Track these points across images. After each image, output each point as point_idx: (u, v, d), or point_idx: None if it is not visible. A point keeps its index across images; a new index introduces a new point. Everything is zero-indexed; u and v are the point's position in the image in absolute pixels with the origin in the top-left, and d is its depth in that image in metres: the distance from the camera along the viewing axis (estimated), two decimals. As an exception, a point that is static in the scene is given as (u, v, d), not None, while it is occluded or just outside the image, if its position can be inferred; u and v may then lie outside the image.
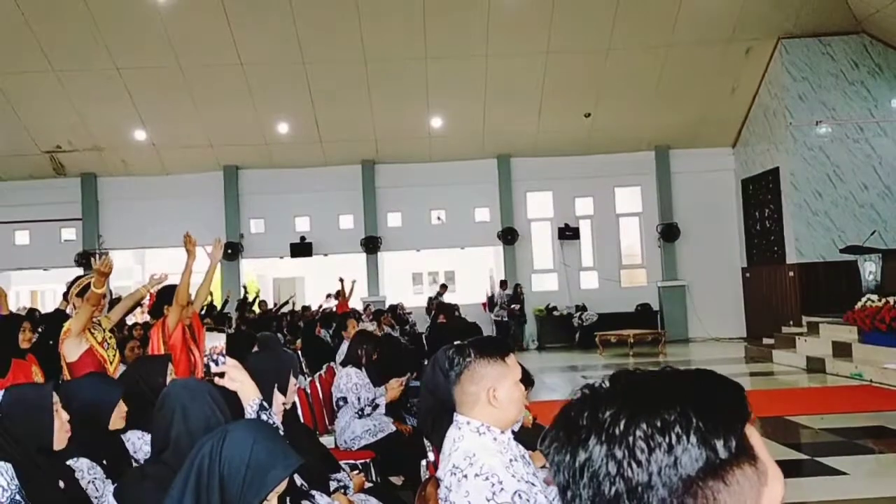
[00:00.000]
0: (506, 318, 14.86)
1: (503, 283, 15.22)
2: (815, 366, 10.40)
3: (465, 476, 2.05)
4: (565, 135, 14.95)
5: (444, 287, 15.78)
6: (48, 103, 13.49)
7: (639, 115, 14.53)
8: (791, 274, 13.44)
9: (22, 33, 11.95)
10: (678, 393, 0.76)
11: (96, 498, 2.50)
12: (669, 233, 15.50)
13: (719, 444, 0.72)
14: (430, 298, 15.44)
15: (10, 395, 2.43)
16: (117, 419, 2.76)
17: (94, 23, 11.93)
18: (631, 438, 0.73)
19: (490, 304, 15.17)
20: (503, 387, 2.16)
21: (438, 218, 16.17)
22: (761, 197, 14.65)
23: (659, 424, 0.73)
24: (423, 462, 3.48)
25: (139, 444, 2.93)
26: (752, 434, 0.76)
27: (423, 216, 16.04)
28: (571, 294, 15.73)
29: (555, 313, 15.56)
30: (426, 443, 3.41)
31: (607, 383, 0.81)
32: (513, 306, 15.05)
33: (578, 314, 15.26)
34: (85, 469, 2.55)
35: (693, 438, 0.72)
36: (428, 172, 15.70)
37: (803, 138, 13.22)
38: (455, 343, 2.34)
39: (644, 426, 0.73)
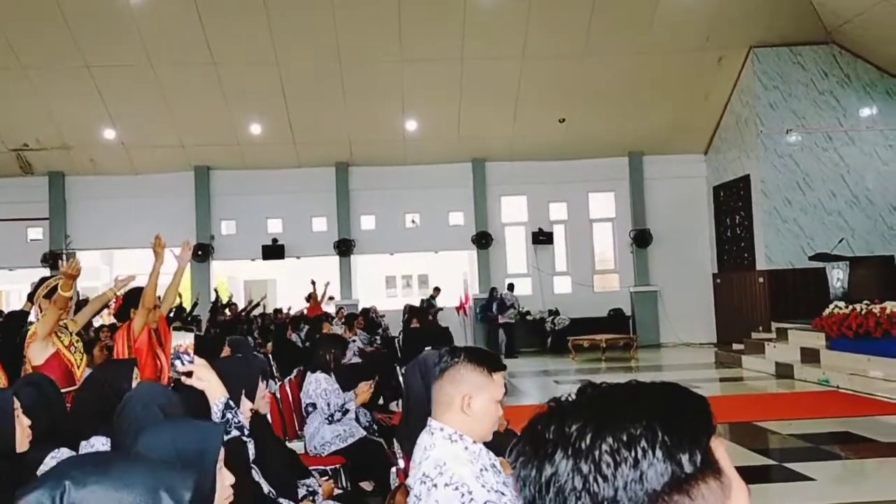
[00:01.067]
0: (512, 321, 14.90)
1: (510, 287, 15.27)
2: (783, 371, 10.51)
3: (435, 485, 2.03)
4: (540, 139, 15.00)
5: (437, 290, 15.70)
6: (16, 100, 13.23)
7: (613, 121, 14.63)
8: (761, 280, 13.61)
9: (-12, 29, 11.73)
10: (644, 407, 0.76)
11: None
12: (642, 238, 15.62)
13: (685, 459, 0.72)
14: (422, 300, 15.38)
15: None
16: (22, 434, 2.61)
17: (65, 19, 11.74)
18: (597, 452, 0.73)
19: (502, 306, 15.06)
20: (480, 398, 2.13)
21: (413, 221, 16.14)
22: (732, 204, 14.82)
23: (625, 439, 0.73)
24: (393, 469, 3.44)
25: (104, 450, 2.85)
26: (717, 447, 0.76)
27: (397, 219, 15.99)
28: (545, 298, 15.79)
29: (528, 318, 15.58)
30: (396, 449, 3.36)
31: (574, 396, 0.81)
32: (488, 312, 15.07)
33: (551, 318, 15.31)
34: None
35: (659, 453, 0.72)
36: (402, 175, 15.65)
37: (774, 146, 13.41)
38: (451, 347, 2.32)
39: (610, 440, 0.73)
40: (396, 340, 10.12)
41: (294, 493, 3.26)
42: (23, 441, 2.36)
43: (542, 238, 15.78)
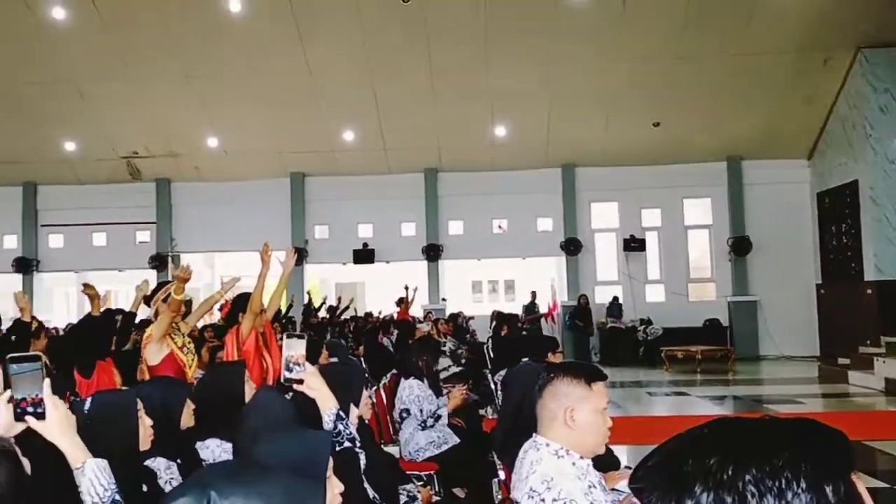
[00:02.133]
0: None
1: (615, 300, 15.12)
2: (894, 388, 9.94)
3: (543, 500, 2.03)
4: (632, 144, 14.72)
5: (534, 294, 15.65)
6: (127, 111, 13.98)
7: (710, 125, 14.21)
8: (869, 291, 12.89)
9: (103, 43, 12.42)
10: (785, 439, 0.75)
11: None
12: (741, 246, 15.08)
13: (829, 490, 0.71)
14: (524, 306, 15.38)
15: (98, 399, 2.50)
16: (188, 416, 2.82)
17: (171, 32, 12.32)
18: (740, 484, 0.72)
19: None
20: (582, 410, 2.12)
21: (500, 227, 16.13)
22: (838, 211, 14.11)
23: (769, 469, 0.72)
24: (495, 480, 3.44)
25: (218, 451, 2.97)
26: (858, 482, 0.74)
27: (484, 225, 16.03)
28: (636, 307, 15.45)
29: (618, 326, 15.29)
30: (496, 460, 3.36)
31: (707, 430, 0.80)
32: (575, 320, 14.89)
33: (643, 328, 14.96)
34: (162, 468, 2.61)
35: (804, 483, 0.70)
36: (490, 181, 15.68)
37: (884, 151, 12.70)
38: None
39: (754, 471, 0.72)
40: (485, 347, 10.12)
41: (396, 499, 3.31)
42: (145, 441, 2.42)
43: (633, 245, 15.47)
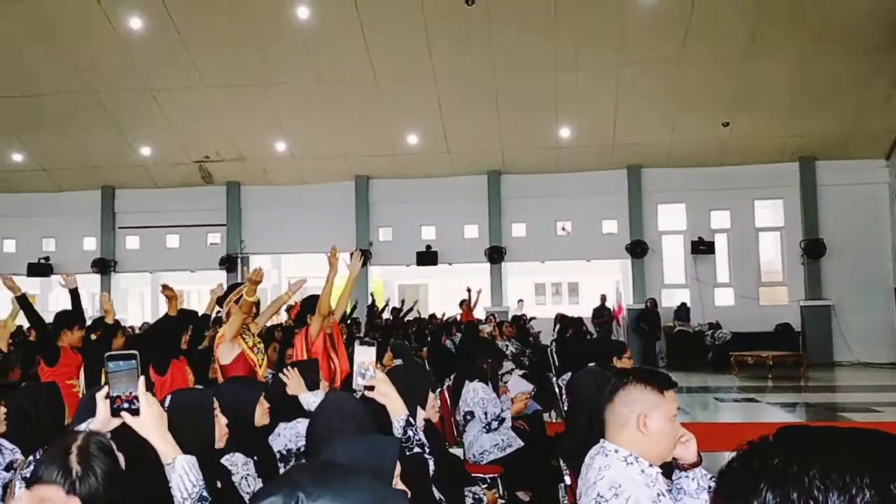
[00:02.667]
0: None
1: (683, 304, 14.93)
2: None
3: None
4: (700, 145, 14.42)
5: (603, 297, 15.52)
6: (199, 116, 14.42)
7: (781, 125, 13.80)
8: (954, 296, 12.30)
9: (177, 51, 12.84)
10: (848, 438, 0.78)
11: (247, 493, 2.63)
12: (814, 249, 14.58)
13: (894, 488, 0.72)
14: (594, 309, 15.26)
15: (176, 398, 2.60)
16: (262, 415, 2.90)
17: (242, 40, 12.64)
18: (806, 479, 0.74)
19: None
20: (655, 417, 2.11)
21: (564, 229, 16.00)
22: (919, 212, 13.52)
23: (833, 466, 0.74)
24: (561, 486, 3.43)
25: (290, 434, 3.09)
26: None
27: (548, 227, 15.93)
28: (705, 311, 15.11)
29: (686, 330, 14.97)
30: (562, 465, 3.35)
31: (772, 437, 0.83)
32: (641, 324, 14.66)
33: (711, 332, 14.61)
34: (240, 464, 2.69)
35: (867, 479, 0.72)
36: (554, 183, 15.59)
37: (970, 150, 12.11)
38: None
39: (818, 467, 0.74)
40: (549, 350, 10.06)
41: (462, 501, 3.33)
42: (220, 439, 2.49)
43: (702, 248, 15.13)
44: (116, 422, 1.85)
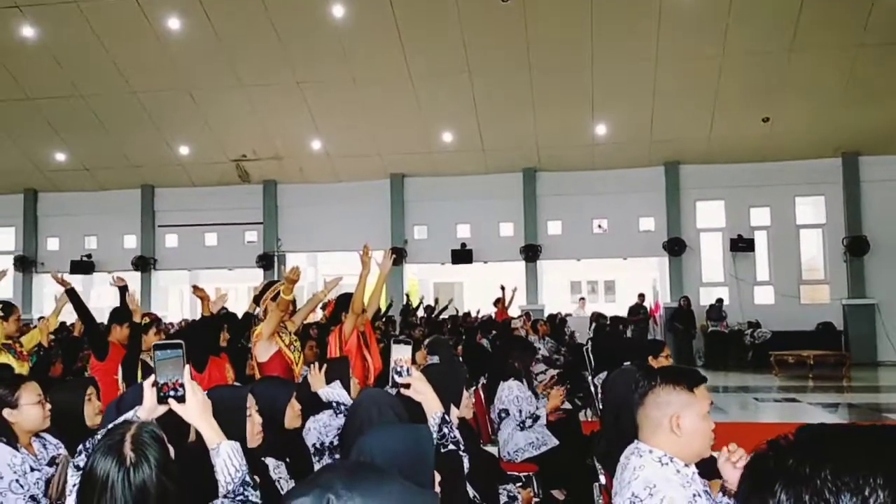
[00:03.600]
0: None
1: (719, 301, 14.74)
2: None
3: None
4: (741, 141, 14.18)
5: (641, 297, 15.38)
6: (236, 116, 14.60)
7: (824, 120, 13.50)
8: None
9: (215, 52, 13.02)
10: (862, 439, 0.78)
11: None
12: (857, 246, 14.24)
13: None
14: (630, 307, 15.13)
15: (212, 394, 2.62)
16: (292, 418, 2.88)
17: (279, 40, 12.77)
18: (818, 481, 0.74)
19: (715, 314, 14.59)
20: (687, 416, 2.09)
21: (600, 226, 15.87)
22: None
23: (845, 467, 0.74)
24: (596, 485, 3.40)
25: (318, 427, 3.11)
26: None
27: (584, 225, 15.81)
28: (744, 309, 14.86)
29: (720, 330, 14.74)
30: (597, 465, 3.32)
31: (790, 437, 0.84)
32: (675, 323, 14.47)
33: (750, 331, 14.36)
34: (271, 467, 2.70)
35: (880, 479, 0.72)
36: (590, 180, 15.47)
37: None
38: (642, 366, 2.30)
39: (830, 468, 0.75)
40: (585, 349, 9.98)
41: (496, 498, 3.32)
42: (253, 438, 2.45)
43: (741, 245, 14.87)
44: (162, 409, 1.90)
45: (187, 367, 1.90)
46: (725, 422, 8.56)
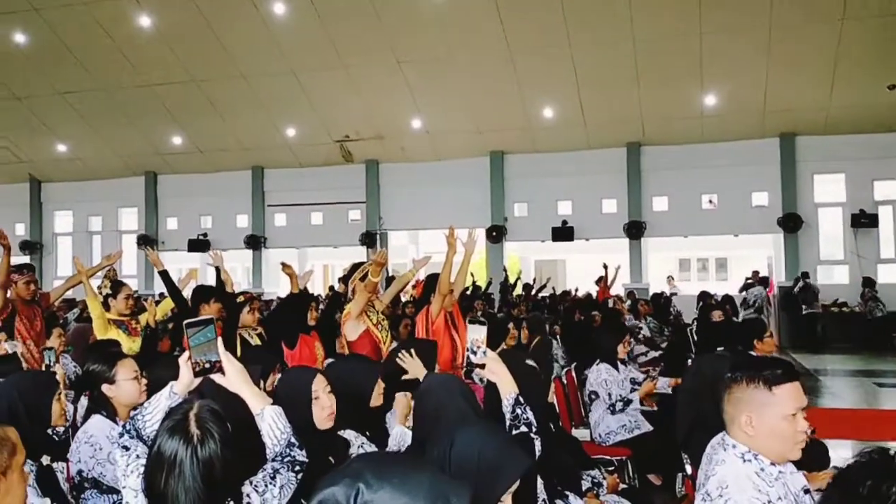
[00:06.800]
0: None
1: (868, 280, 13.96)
2: None
3: None
4: (862, 110, 13.24)
5: (755, 273, 14.74)
6: (339, 96, 14.90)
7: (960, 84, 12.37)
8: None
9: (318, 34, 13.29)
10: None
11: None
12: None
13: None
14: (741, 287, 14.57)
15: (282, 377, 2.71)
16: (377, 396, 2.93)
17: (379, 20, 12.88)
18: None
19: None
20: (763, 416, 1.97)
21: (710, 202, 15.26)
22: None
23: None
24: (679, 475, 3.28)
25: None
26: None
27: (692, 200, 15.23)
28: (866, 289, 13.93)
29: (844, 310, 13.89)
30: (683, 455, 3.20)
31: (864, 456, 0.84)
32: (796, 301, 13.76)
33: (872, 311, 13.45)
34: (352, 437, 2.73)
35: None
36: (699, 154, 14.87)
37: None
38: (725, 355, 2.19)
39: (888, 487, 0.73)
40: (689, 330, 9.65)
41: (578, 483, 3.26)
42: (321, 419, 2.42)
43: (864, 221, 13.94)
44: (195, 382, 2.00)
45: (219, 339, 1.98)
46: (843, 408, 8.13)
